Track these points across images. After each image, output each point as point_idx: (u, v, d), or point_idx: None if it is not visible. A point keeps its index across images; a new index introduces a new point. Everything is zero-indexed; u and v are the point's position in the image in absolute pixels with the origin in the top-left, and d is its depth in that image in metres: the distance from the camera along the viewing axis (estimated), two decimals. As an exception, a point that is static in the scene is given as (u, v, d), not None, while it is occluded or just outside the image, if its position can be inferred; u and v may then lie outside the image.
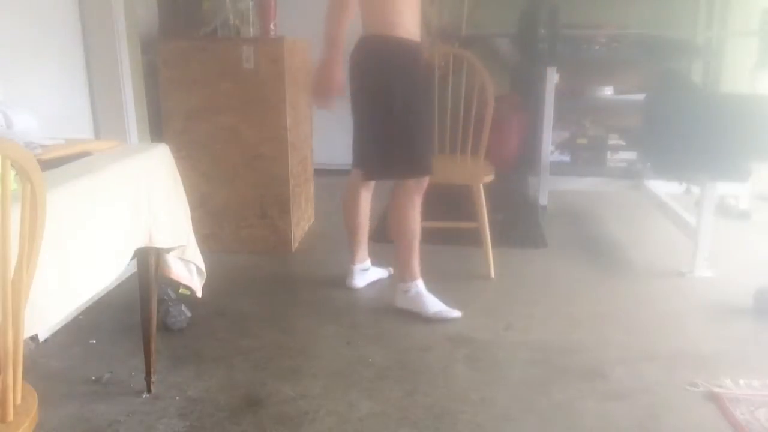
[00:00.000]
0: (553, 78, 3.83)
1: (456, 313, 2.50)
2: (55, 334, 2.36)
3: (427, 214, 2.62)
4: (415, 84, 2.41)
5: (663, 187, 3.68)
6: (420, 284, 2.57)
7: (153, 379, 2.01)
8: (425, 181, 2.51)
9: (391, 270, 2.90)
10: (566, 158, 4.33)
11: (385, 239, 3.36)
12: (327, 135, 4.35)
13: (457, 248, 3.25)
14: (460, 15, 4.90)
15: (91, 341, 2.35)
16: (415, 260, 2.57)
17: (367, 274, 2.86)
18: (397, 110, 2.36)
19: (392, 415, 1.90)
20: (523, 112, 4.63)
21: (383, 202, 4.00)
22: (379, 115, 2.40)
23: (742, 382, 2.04)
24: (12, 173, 1.04)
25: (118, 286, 2.71)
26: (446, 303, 2.52)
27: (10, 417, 1.12)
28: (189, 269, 1.99)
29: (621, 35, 4.39)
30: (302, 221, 3.44)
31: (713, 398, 1.96)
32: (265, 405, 1.95)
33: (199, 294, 2.03)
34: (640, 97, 3.67)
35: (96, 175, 1.56)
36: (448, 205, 3.31)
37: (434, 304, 2.53)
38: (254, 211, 3.17)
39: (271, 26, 3.06)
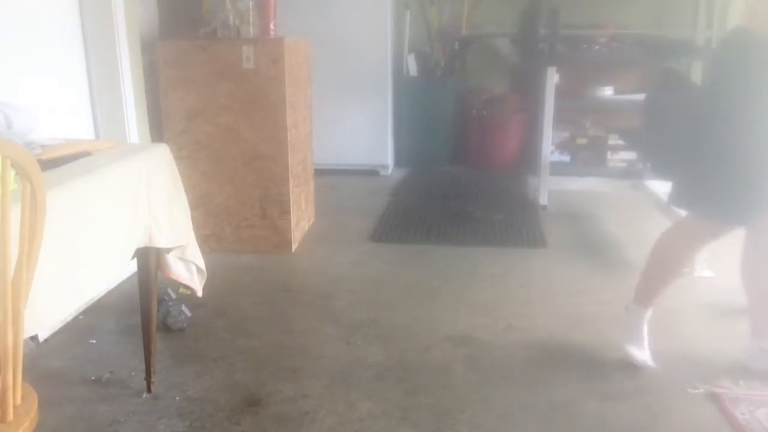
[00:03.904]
0: (553, 78, 3.83)
1: None
2: (55, 334, 2.36)
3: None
4: None
5: (663, 187, 3.67)
6: None
7: (153, 379, 2.01)
8: None
9: None
10: (566, 158, 4.33)
11: (385, 240, 3.38)
12: (327, 135, 4.35)
13: (457, 248, 3.25)
14: (460, 15, 4.90)
15: (91, 341, 2.35)
16: None
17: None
18: None
19: (392, 415, 1.90)
20: (523, 112, 4.63)
21: (385, 201, 4.03)
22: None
23: (742, 382, 2.04)
24: (12, 173, 1.04)
25: (118, 286, 2.71)
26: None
27: (10, 417, 1.13)
28: (189, 269, 1.99)
29: (621, 35, 4.39)
30: (302, 221, 3.44)
31: (713, 398, 1.96)
32: (265, 405, 1.95)
33: (199, 294, 2.04)
34: (640, 97, 3.67)
35: (96, 175, 1.56)
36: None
37: None
38: (254, 211, 3.17)
39: (271, 26, 3.06)
